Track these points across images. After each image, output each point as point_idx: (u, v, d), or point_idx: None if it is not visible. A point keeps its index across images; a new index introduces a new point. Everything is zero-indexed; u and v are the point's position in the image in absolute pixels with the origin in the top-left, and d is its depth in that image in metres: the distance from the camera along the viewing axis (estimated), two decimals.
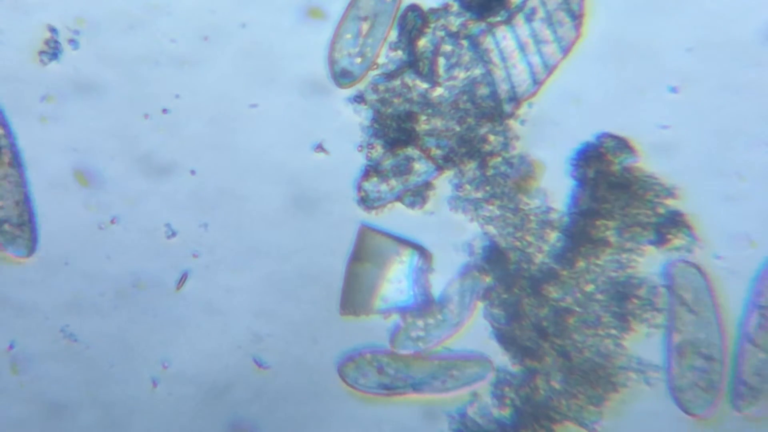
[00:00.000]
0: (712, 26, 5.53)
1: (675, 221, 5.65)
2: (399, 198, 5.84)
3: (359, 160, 5.83)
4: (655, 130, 5.65)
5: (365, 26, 5.61)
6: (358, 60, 5.66)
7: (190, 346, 6.01)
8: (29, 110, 5.84)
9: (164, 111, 5.82)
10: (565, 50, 5.64)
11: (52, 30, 5.68)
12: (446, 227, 5.83)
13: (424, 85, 5.73)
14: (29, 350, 6.02)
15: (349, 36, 5.67)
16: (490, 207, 5.77)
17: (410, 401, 5.96)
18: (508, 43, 5.66)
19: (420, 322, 5.88)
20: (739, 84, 5.55)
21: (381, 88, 5.75)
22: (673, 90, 5.57)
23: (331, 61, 5.71)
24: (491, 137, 5.72)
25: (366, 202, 5.85)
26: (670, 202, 5.66)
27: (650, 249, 5.69)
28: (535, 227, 5.75)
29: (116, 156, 5.88)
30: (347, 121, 5.80)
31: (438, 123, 5.75)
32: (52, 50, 5.69)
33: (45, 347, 6.01)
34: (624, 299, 5.70)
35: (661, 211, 5.66)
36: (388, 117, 5.76)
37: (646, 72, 5.61)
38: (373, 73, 5.76)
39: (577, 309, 5.75)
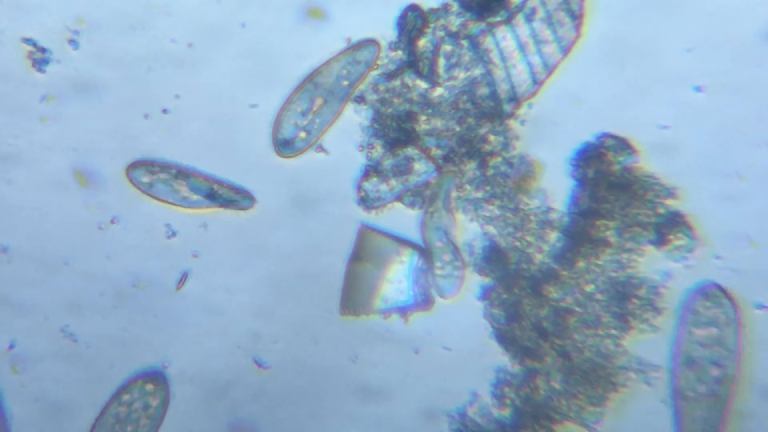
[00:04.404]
0: (712, 26, 5.53)
1: (675, 221, 5.65)
2: (399, 198, 5.83)
3: (359, 160, 5.83)
4: (655, 130, 5.65)
5: (318, 102, 5.63)
6: (303, 135, 5.67)
7: (190, 346, 6.01)
8: (29, 110, 5.83)
9: (164, 111, 5.81)
10: (565, 50, 5.64)
11: (28, 41, 5.67)
12: None
13: (424, 85, 5.73)
14: (29, 350, 6.02)
15: (299, 109, 5.69)
16: (490, 207, 5.77)
17: (409, 401, 5.96)
18: (508, 43, 5.66)
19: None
20: (739, 84, 5.55)
21: (381, 88, 5.75)
22: (698, 89, 5.55)
23: (277, 127, 5.71)
24: (491, 137, 5.72)
25: (366, 202, 5.84)
26: (670, 202, 5.66)
27: (650, 249, 5.68)
28: (535, 227, 5.75)
29: (116, 156, 5.88)
30: (347, 121, 5.80)
31: (438, 123, 5.74)
32: (39, 59, 5.69)
33: (45, 347, 6.01)
34: (624, 299, 5.70)
35: (661, 211, 5.66)
36: (388, 117, 5.76)
37: (647, 72, 5.61)
38: (374, 73, 5.77)
39: (577, 309, 5.75)
